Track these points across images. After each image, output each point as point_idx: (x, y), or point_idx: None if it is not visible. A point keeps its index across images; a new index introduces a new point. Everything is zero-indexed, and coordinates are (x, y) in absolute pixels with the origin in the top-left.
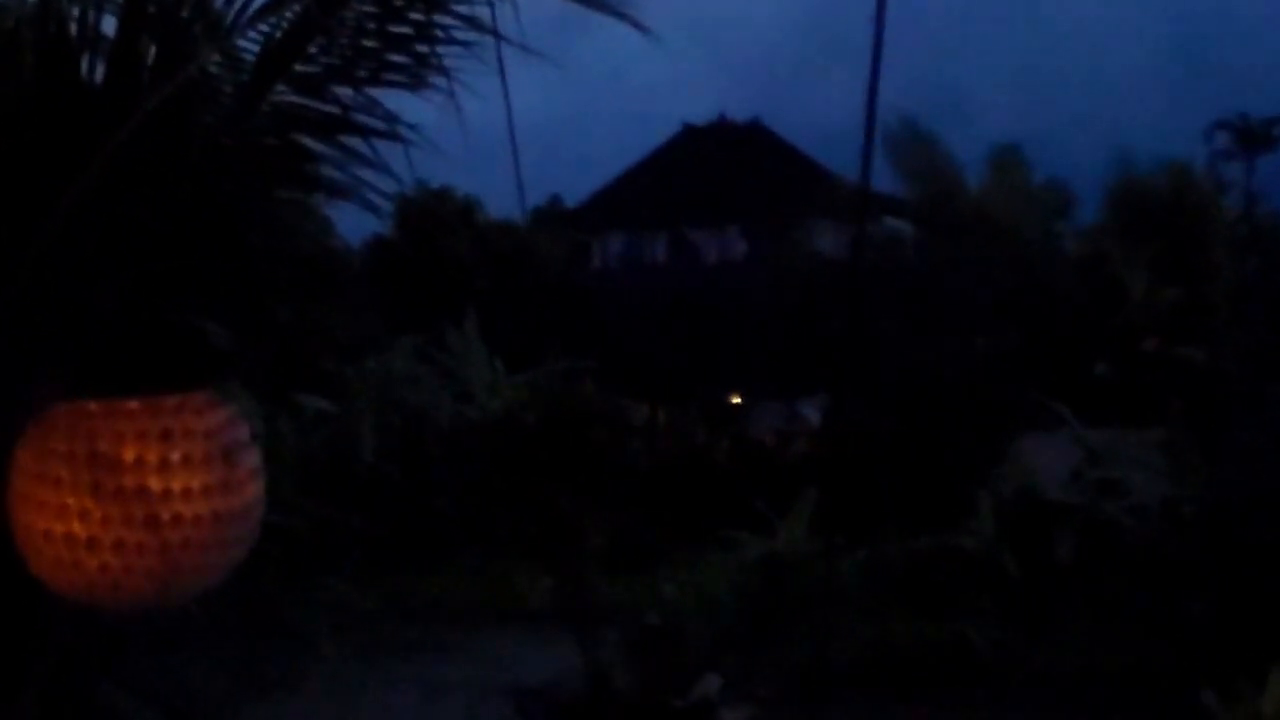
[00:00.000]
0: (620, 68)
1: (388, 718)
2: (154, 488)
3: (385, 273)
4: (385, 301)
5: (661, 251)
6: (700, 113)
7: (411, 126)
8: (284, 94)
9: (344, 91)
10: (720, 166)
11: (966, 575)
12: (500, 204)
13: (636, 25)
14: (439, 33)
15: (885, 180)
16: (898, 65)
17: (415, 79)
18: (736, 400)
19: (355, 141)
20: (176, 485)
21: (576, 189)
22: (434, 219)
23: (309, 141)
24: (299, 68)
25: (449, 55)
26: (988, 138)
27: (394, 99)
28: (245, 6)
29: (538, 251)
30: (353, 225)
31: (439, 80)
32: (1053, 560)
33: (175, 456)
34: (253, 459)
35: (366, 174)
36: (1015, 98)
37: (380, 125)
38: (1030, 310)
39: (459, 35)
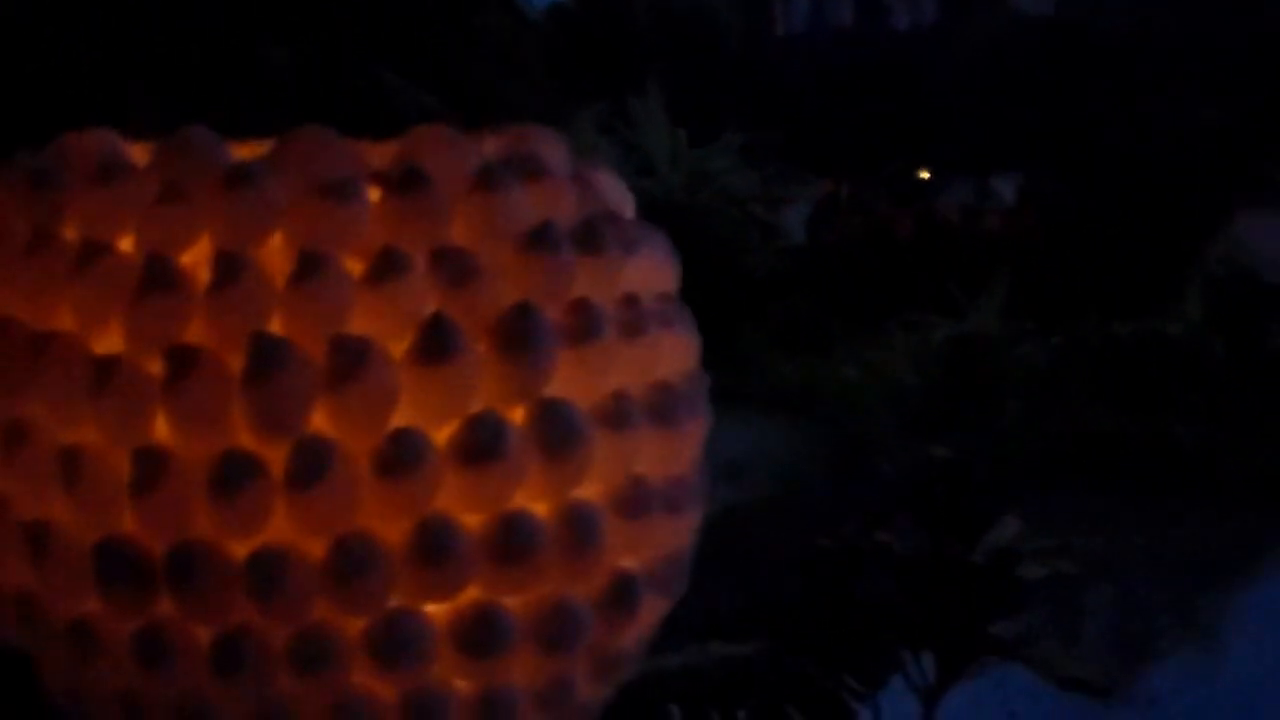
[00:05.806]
0: None
1: None
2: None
3: (564, 43)
4: (565, 73)
5: (847, 14)
6: None
7: None
8: None
9: None
10: None
11: (1171, 364)
12: None
13: None
14: None
15: None
16: None
17: None
18: (925, 175)
19: None
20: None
21: None
22: None
23: None
24: None
25: None
26: None
27: None
28: None
29: (717, 16)
30: None
31: None
32: (1268, 350)
33: None
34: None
35: None
36: None
37: None
38: (1256, 75)
39: None
